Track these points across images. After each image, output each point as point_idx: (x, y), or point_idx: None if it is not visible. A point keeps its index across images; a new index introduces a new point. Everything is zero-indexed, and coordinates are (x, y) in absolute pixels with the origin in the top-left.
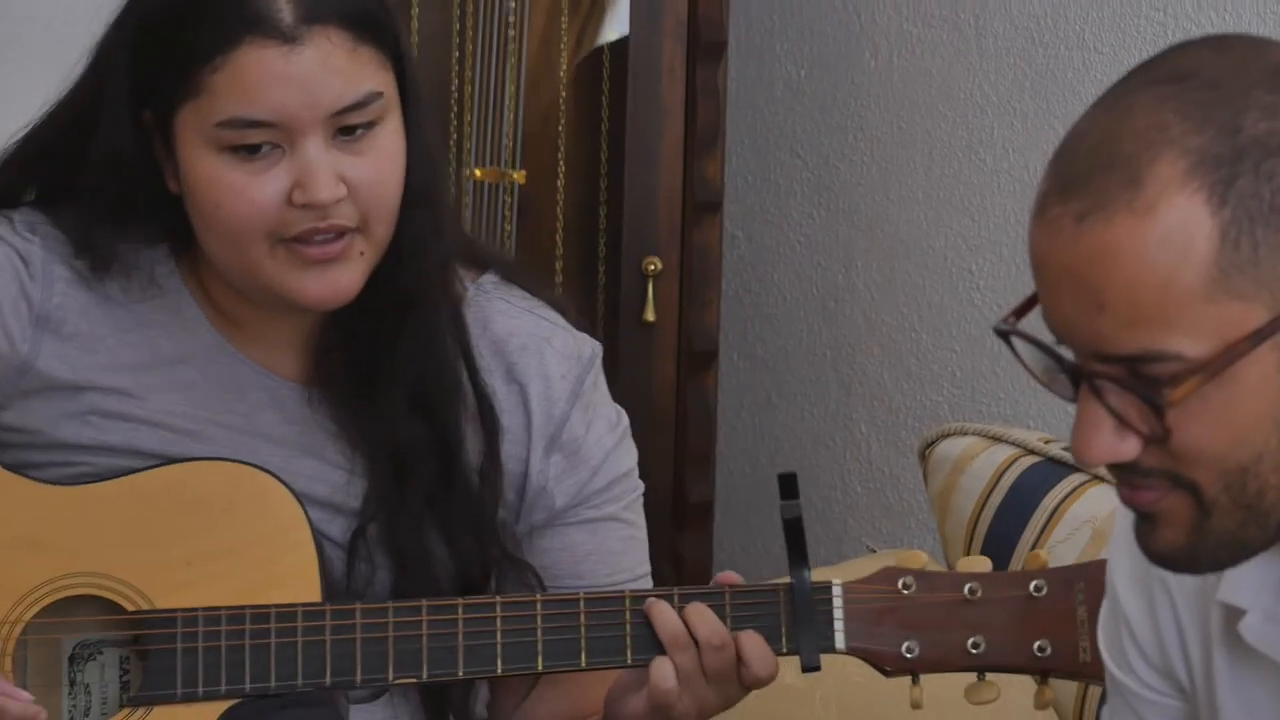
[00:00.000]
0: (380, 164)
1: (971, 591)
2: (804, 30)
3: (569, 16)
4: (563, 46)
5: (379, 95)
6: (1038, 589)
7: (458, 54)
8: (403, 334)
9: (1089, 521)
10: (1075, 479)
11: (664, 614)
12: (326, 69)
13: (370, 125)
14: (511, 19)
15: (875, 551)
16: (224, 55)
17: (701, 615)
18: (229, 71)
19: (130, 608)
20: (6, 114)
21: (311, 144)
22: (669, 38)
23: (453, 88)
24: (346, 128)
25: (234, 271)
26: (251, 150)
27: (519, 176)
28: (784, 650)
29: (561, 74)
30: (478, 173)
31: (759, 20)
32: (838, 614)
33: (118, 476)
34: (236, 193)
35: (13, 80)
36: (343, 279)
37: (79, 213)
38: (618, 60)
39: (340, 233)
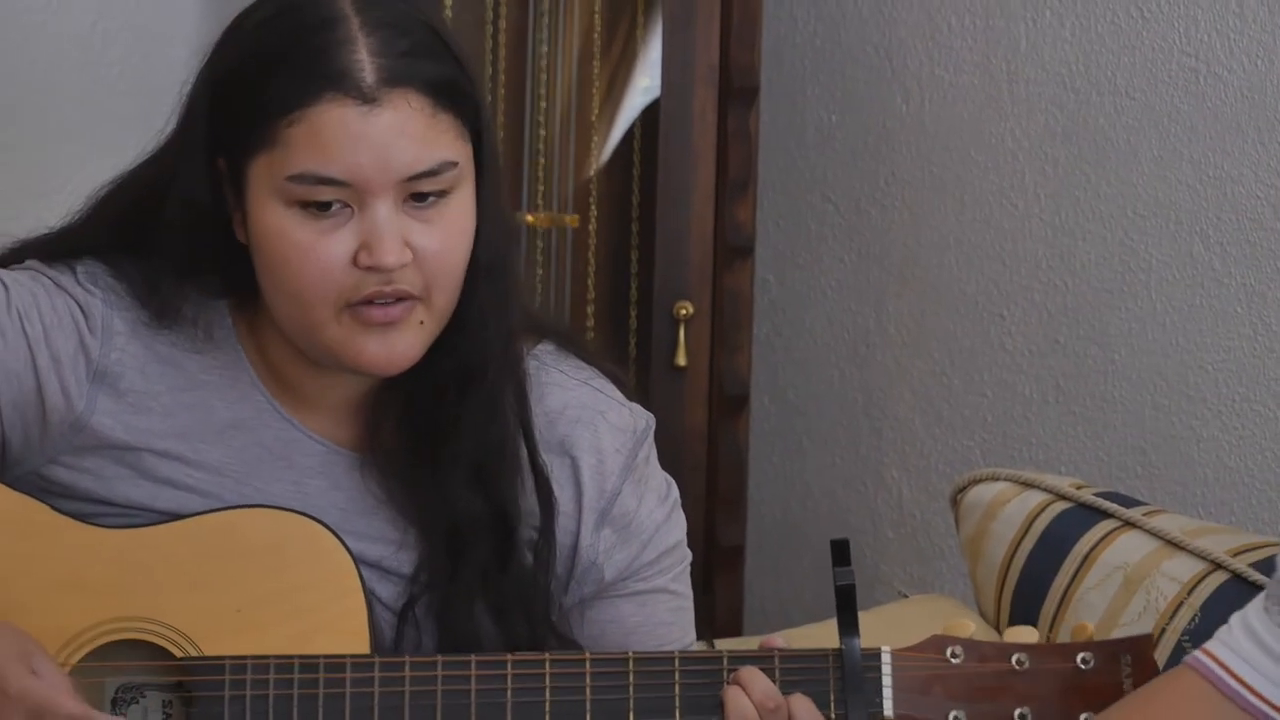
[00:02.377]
0: (448, 234)
1: (1019, 662)
2: (835, 75)
3: (601, 62)
4: (594, 91)
5: (453, 165)
6: (1085, 661)
7: (489, 99)
8: (464, 406)
9: (1120, 568)
10: (1107, 525)
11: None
12: (403, 133)
13: (442, 194)
14: (544, 64)
15: (907, 597)
16: (302, 110)
17: (754, 678)
18: (305, 126)
19: (178, 653)
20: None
21: (381, 206)
22: (701, 83)
23: None
24: (418, 194)
25: (296, 328)
26: (321, 207)
27: (560, 219)
28: (832, 715)
29: (593, 119)
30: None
31: (790, 65)
32: (886, 681)
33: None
34: (303, 251)
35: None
36: (399, 345)
37: (145, 263)
38: (649, 105)
39: (401, 297)
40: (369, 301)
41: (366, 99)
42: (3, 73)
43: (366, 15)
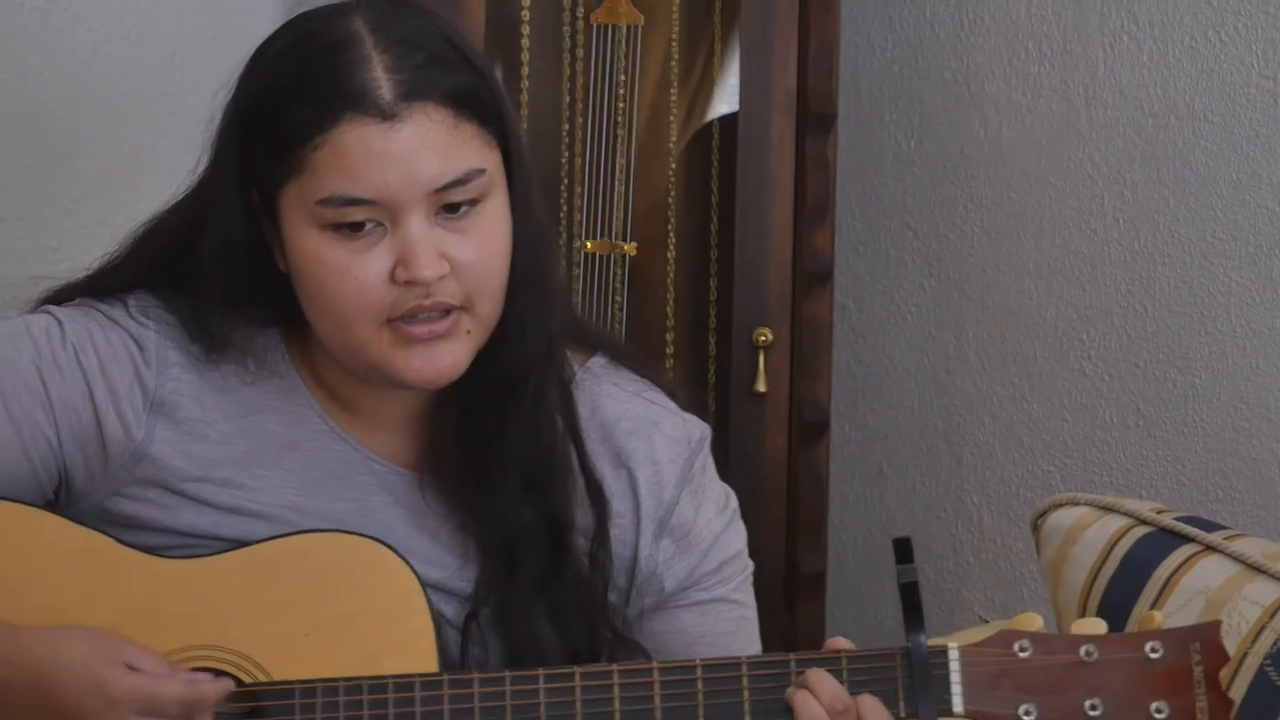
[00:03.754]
0: (484, 242)
1: (1088, 653)
2: (913, 101)
3: (679, 89)
4: (672, 119)
5: (481, 172)
6: (1153, 650)
7: (568, 126)
8: (510, 416)
9: (1201, 593)
10: (1188, 550)
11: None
12: (426, 146)
13: (474, 203)
14: (621, 92)
15: (988, 622)
16: (324, 133)
17: (821, 680)
18: (329, 149)
19: (247, 679)
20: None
21: (413, 221)
22: (778, 110)
23: (563, 160)
24: (450, 205)
25: (341, 349)
26: (354, 228)
27: (630, 248)
28: (901, 714)
29: (671, 146)
30: (589, 245)
31: (868, 91)
32: (955, 677)
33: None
34: (340, 272)
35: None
36: (448, 357)
37: (193, 298)
38: (727, 132)
39: (446, 310)
40: (412, 317)
41: (386, 116)
42: (83, 103)
43: (380, 33)
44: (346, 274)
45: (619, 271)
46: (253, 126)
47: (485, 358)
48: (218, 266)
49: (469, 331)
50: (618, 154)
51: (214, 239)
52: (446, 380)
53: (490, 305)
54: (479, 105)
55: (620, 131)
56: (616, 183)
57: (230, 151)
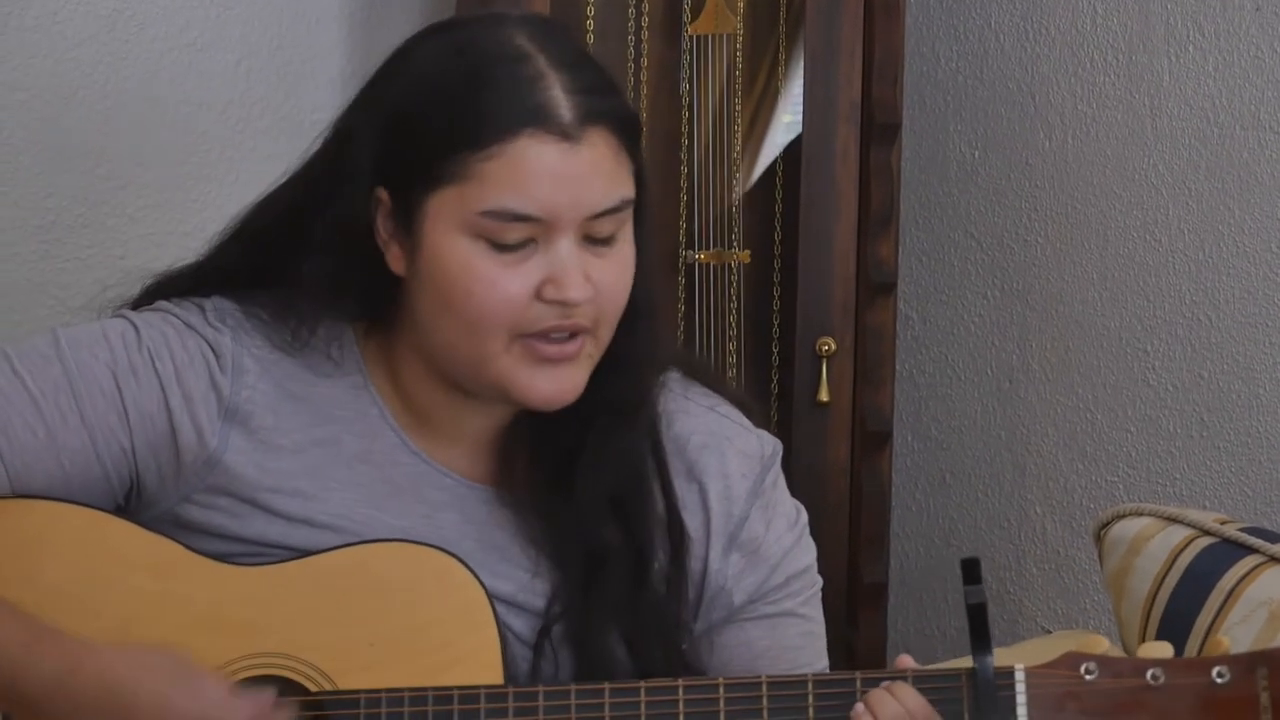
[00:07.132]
0: (620, 270)
1: (1154, 677)
2: (977, 111)
3: (743, 99)
4: (736, 129)
5: (630, 202)
6: (1220, 675)
7: None
8: (610, 440)
9: (1265, 604)
10: (1251, 561)
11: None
12: (597, 171)
13: (615, 231)
14: (686, 102)
15: (1051, 633)
16: (501, 144)
17: (883, 702)
18: (504, 161)
19: (313, 688)
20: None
21: (565, 243)
22: (843, 120)
23: None
24: (594, 232)
25: (463, 362)
26: (508, 244)
27: (704, 256)
28: None
29: (735, 156)
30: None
31: (932, 101)
32: (1020, 699)
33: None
34: (488, 283)
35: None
36: (571, 380)
37: (276, 289)
38: (791, 142)
39: (575, 333)
40: (544, 335)
41: (567, 136)
42: (149, 112)
43: (549, 53)
44: (495, 285)
45: (682, 281)
46: (406, 128)
47: (593, 384)
48: (324, 254)
49: (590, 355)
50: (682, 164)
51: (328, 226)
52: (566, 403)
53: (609, 331)
54: (636, 136)
55: (684, 142)
56: (682, 193)
57: (367, 147)
